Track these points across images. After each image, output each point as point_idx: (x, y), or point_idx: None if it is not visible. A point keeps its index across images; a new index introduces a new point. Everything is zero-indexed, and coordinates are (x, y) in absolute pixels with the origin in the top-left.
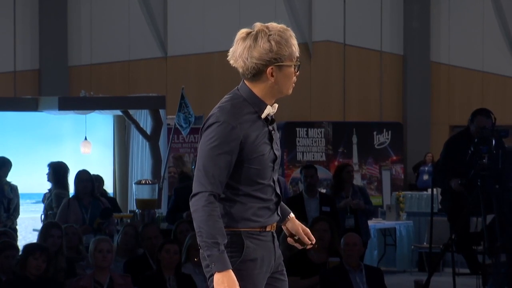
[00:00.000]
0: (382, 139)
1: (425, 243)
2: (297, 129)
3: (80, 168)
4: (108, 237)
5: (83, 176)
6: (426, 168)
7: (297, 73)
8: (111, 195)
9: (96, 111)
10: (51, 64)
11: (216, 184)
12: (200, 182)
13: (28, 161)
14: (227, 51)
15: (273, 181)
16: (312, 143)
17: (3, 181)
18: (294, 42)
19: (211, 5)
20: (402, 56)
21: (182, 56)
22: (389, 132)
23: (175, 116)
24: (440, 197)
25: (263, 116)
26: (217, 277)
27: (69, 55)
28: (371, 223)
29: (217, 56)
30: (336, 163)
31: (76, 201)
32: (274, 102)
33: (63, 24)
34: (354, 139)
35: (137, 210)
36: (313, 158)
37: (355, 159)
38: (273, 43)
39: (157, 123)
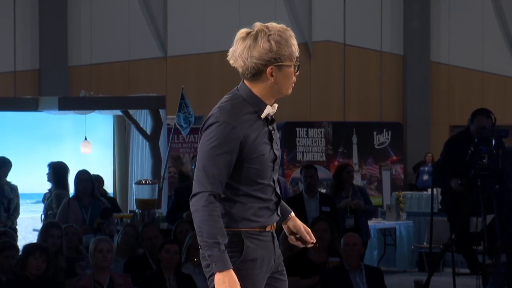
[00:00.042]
0: (382, 139)
1: (425, 243)
2: (297, 129)
3: (80, 168)
4: (108, 237)
5: (83, 176)
6: (426, 168)
7: (297, 73)
8: (111, 195)
9: (96, 111)
10: (51, 64)
11: (216, 184)
12: (200, 182)
13: (28, 161)
14: (227, 51)
15: (273, 181)
16: (312, 143)
17: (3, 181)
18: (294, 42)
19: (211, 5)
20: (402, 56)
21: (182, 56)
22: (389, 132)
23: (175, 116)
24: (440, 197)
25: (262, 116)
26: (218, 277)
27: (69, 55)
28: (371, 223)
29: (217, 56)
30: (336, 163)
31: (76, 201)
32: (274, 102)
33: (63, 24)
34: (354, 139)
35: (137, 210)
36: (313, 158)
37: (355, 159)
38: (273, 43)
39: (157, 123)
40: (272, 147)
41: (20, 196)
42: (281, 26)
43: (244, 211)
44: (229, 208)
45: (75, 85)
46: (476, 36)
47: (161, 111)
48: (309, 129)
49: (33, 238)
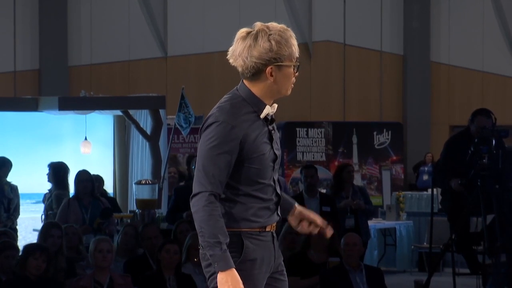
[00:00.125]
0: (382, 139)
1: (425, 243)
2: (297, 129)
3: (80, 168)
4: (108, 237)
5: (83, 176)
6: (426, 168)
7: (296, 73)
8: (111, 195)
9: (96, 111)
10: (51, 64)
11: (216, 184)
12: (200, 182)
13: (28, 161)
14: (227, 51)
15: (274, 181)
16: (312, 143)
17: (3, 181)
18: (294, 43)
19: (211, 5)
20: (402, 56)
21: (182, 56)
22: (389, 132)
23: (175, 116)
24: (440, 197)
25: (262, 116)
26: (220, 276)
27: (69, 55)
28: (371, 223)
29: (217, 56)
30: (336, 163)
31: (76, 201)
32: (274, 102)
33: (63, 24)
34: (354, 139)
35: (137, 210)
36: (313, 158)
37: (355, 159)
38: (273, 42)
39: (157, 123)
40: (272, 147)
41: (20, 196)
42: (282, 26)
43: (244, 211)
44: (229, 208)
45: (75, 85)
46: (476, 36)
47: (161, 111)
48: (309, 129)
49: (33, 238)
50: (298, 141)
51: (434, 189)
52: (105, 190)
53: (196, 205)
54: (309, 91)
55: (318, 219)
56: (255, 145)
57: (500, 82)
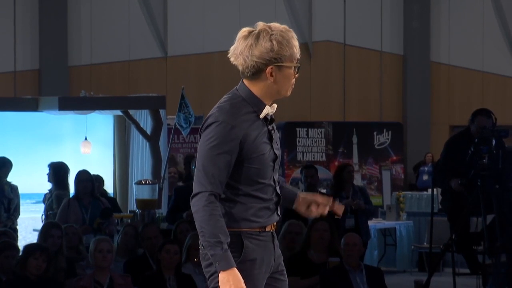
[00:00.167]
0: (382, 139)
1: (425, 243)
2: (297, 129)
3: (80, 168)
4: (108, 237)
5: (83, 176)
6: (426, 168)
7: (297, 75)
8: (111, 195)
9: (96, 111)
10: (51, 64)
11: (216, 184)
12: (200, 182)
13: (28, 161)
14: (227, 51)
15: (274, 181)
16: (312, 143)
17: (4, 181)
18: (296, 44)
19: (211, 5)
20: (402, 56)
21: (182, 56)
22: (389, 132)
23: (175, 116)
24: (440, 197)
25: (261, 116)
26: (222, 276)
27: (69, 55)
28: (371, 223)
29: (217, 56)
30: (336, 163)
31: (76, 201)
32: (273, 102)
33: (63, 24)
34: (354, 139)
35: (137, 210)
36: (313, 158)
37: (355, 159)
38: (274, 42)
39: (157, 123)
40: (272, 147)
41: (20, 196)
42: (284, 26)
43: (244, 211)
44: (229, 208)
45: (75, 85)
46: (476, 36)
47: (161, 111)
48: (309, 129)
49: (33, 238)
50: (298, 141)
51: (434, 189)
52: (105, 190)
53: (196, 205)
54: (309, 91)
55: (324, 200)
56: (255, 145)
57: (500, 82)
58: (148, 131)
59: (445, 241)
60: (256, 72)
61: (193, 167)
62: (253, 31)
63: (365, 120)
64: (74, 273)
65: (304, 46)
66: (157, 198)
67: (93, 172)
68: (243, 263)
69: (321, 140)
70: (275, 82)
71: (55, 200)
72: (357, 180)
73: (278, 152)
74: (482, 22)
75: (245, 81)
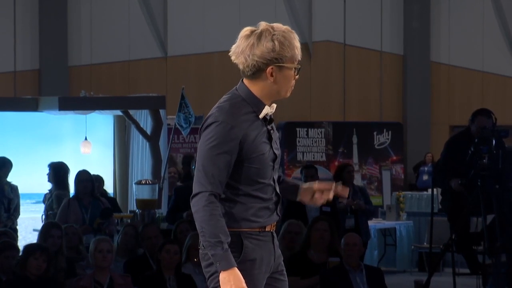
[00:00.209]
0: (382, 139)
1: (425, 243)
2: (297, 129)
3: (80, 168)
4: (108, 237)
5: (83, 176)
6: (426, 168)
7: (297, 76)
8: (111, 195)
9: (96, 111)
10: (51, 64)
11: (216, 184)
12: (200, 182)
13: (28, 161)
14: (227, 51)
15: (273, 181)
16: (312, 143)
17: (4, 181)
18: (297, 45)
19: (211, 5)
20: (402, 56)
21: (182, 56)
22: (389, 132)
23: (175, 116)
24: (440, 197)
25: (261, 116)
26: (223, 275)
27: (69, 55)
28: (371, 223)
29: (217, 56)
30: (336, 163)
31: (76, 201)
32: (272, 102)
33: (63, 24)
34: (354, 139)
35: (137, 210)
36: (313, 158)
37: (355, 159)
38: (276, 43)
39: (157, 123)
40: (271, 147)
41: (20, 196)
42: (286, 27)
43: (244, 211)
44: (229, 208)
45: (75, 85)
46: (476, 36)
47: (161, 111)
48: (309, 129)
49: (33, 238)
50: (298, 141)
51: (434, 189)
52: (105, 190)
53: (197, 205)
54: (309, 91)
55: (326, 185)
56: (254, 145)
57: (500, 82)
58: (148, 131)
59: (445, 241)
60: (257, 72)
61: (193, 167)
62: (255, 30)
63: (365, 120)
64: (74, 273)
65: (304, 46)
66: (157, 198)
67: (93, 172)
68: (243, 263)
69: (321, 140)
70: (275, 82)
71: (55, 200)
72: (357, 180)
73: (277, 152)
74: (482, 22)
75: (245, 81)
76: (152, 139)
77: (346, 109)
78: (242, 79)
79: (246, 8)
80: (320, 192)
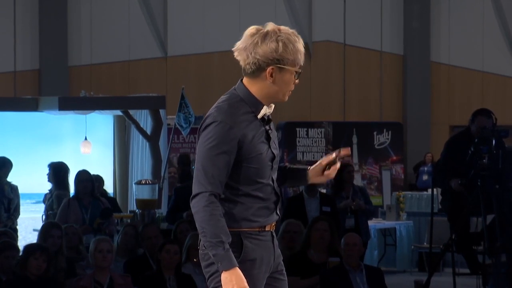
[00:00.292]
0: (382, 139)
1: (425, 243)
2: (297, 129)
3: (80, 168)
4: (108, 237)
5: (83, 176)
6: (426, 168)
7: (297, 81)
8: (111, 195)
9: (96, 111)
10: (51, 64)
11: (216, 184)
12: (200, 183)
13: (28, 161)
14: (227, 51)
15: (272, 180)
16: (312, 143)
17: (4, 181)
18: (301, 50)
19: (211, 5)
20: (402, 56)
21: (182, 56)
22: (389, 132)
23: (175, 116)
24: (440, 197)
25: (259, 116)
26: (224, 275)
27: (69, 55)
28: (371, 223)
29: (217, 56)
30: None
31: (76, 201)
32: (270, 103)
33: (63, 24)
34: (354, 139)
35: (137, 210)
36: (313, 158)
37: (355, 159)
38: (280, 44)
39: (157, 123)
40: (269, 147)
41: (20, 196)
42: (293, 31)
43: (243, 211)
44: (229, 209)
45: (75, 85)
46: (476, 36)
47: (161, 111)
48: (309, 129)
49: (33, 238)
50: (298, 141)
51: (434, 189)
52: (105, 190)
53: (197, 206)
54: (309, 91)
55: (329, 158)
56: (253, 145)
57: (500, 82)
58: (148, 131)
59: (445, 241)
60: (257, 70)
61: (193, 167)
62: (261, 29)
63: (365, 120)
64: (74, 273)
65: (304, 46)
66: (157, 198)
67: (93, 172)
68: (243, 263)
69: (321, 140)
70: (274, 83)
71: (56, 200)
72: (357, 180)
73: (276, 152)
74: (482, 22)
75: (244, 80)
76: (152, 139)
77: (346, 109)
78: (241, 80)
79: (246, 8)
80: (328, 168)
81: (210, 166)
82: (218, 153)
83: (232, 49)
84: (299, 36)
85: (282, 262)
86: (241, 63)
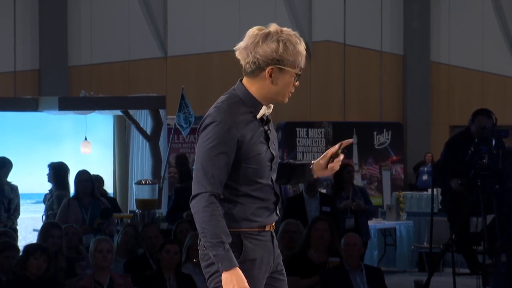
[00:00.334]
0: (382, 139)
1: (425, 243)
2: (297, 129)
3: (80, 168)
4: (108, 237)
5: (83, 176)
6: (426, 168)
7: (297, 83)
8: (111, 195)
9: (96, 111)
10: (51, 64)
11: (216, 184)
12: (199, 183)
13: (28, 161)
14: (227, 51)
15: (272, 181)
16: (312, 143)
17: (4, 181)
18: (303, 53)
19: (211, 5)
20: (402, 56)
21: (182, 56)
22: (389, 132)
23: (175, 116)
24: (440, 197)
25: (258, 116)
26: (225, 276)
27: (69, 55)
28: (371, 223)
29: (217, 56)
30: None
31: (76, 201)
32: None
33: (63, 24)
34: (354, 139)
35: (137, 210)
36: (313, 158)
37: (355, 159)
38: (280, 44)
39: (157, 123)
40: (268, 147)
41: (20, 196)
42: (295, 33)
43: (243, 211)
44: (229, 209)
45: (75, 85)
46: (476, 36)
47: (161, 111)
48: (309, 129)
49: (33, 238)
50: (298, 141)
51: (434, 189)
52: (105, 190)
53: (197, 206)
54: (309, 91)
55: (331, 150)
56: (252, 145)
57: (500, 82)
58: (148, 131)
59: (445, 241)
60: (256, 69)
61: (193, 167)
62: (263, 30)
63: (365, 120)
64: (74, 273)
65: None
66: (157, 198)
67: (93, 172)
68: (243, 263)
69: (321, 140)
70: (273, 83)
71: (56, 200)
72: (357, 180)
73: (275, 152)
74: (482, 22)
75: (244, 80)
76: (152, 139)
77: (346, 109)
78: (241, 80)
79: (246, 8)
80: (331, 161)
81: (209, 166)
82: (218, 153)
83: (234, 48)
84: (301, 39)
85: (281, 262)
86: (242, 62)
